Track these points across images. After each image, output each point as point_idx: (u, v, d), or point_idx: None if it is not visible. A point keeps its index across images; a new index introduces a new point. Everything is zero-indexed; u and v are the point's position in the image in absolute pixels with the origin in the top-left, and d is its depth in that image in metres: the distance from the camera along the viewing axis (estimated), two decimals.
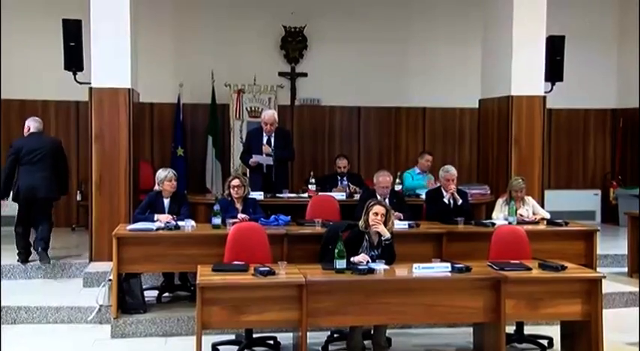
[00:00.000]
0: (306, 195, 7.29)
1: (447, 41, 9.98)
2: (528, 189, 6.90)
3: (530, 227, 6.19)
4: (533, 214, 6.74)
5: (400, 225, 5.95)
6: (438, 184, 6.82)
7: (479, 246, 5.75)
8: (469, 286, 4.72)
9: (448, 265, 4.81)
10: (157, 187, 6.30)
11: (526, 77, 7.74)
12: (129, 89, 7.02)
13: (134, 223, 5.96)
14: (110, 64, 6.95)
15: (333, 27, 9.80)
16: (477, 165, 9.01)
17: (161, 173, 6.28)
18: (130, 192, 7.01)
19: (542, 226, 6.49)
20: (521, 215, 6.56)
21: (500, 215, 6.65)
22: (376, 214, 5.08)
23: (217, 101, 9.37)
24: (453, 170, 6.63)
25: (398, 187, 7.17)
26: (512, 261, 5.12)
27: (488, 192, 7.65)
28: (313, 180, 7.36)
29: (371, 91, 9.91)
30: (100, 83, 6.96)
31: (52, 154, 6.81)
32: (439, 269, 4.78)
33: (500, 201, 6.86)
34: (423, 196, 7.09)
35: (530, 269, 4.93)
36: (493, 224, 6.22)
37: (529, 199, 6.85)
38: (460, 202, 6.57)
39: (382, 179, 6.46)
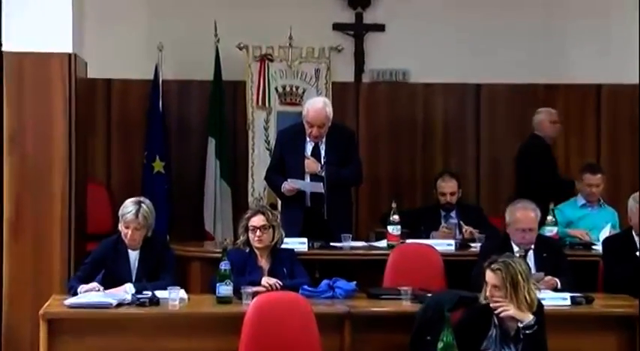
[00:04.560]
0: (383, 244, 7.36)
1: None
2: None
3: None
4: None
5: (556, 299, 5.93)
6: (626, 227, 6.87)
7: None
8: None
9: None
10: (121, 228, 6.31)
11: None
12: (69, 55, 7.15)
13: (75, 296, 5.95)
14: (36, 12, 7.08)
15: None
16: None
17: (128, 207, 6.26)
18: (69, 238, 7.10)
19: None
20: None
21: None
22: (487, 283, 5.15)
23: (224, 76, 9.48)
24: None
25: (551, 231, 7.22)
26: None
27: None
28: (396, 217, 7.35)
29: (498, 59, 9.95)
30: (19, 45, 7.09)
31: None
32: None
33: None
34: (598, 247, 7.05)
35: None
36: None
37: None
38: None
39: (522, 215, 6.49)
